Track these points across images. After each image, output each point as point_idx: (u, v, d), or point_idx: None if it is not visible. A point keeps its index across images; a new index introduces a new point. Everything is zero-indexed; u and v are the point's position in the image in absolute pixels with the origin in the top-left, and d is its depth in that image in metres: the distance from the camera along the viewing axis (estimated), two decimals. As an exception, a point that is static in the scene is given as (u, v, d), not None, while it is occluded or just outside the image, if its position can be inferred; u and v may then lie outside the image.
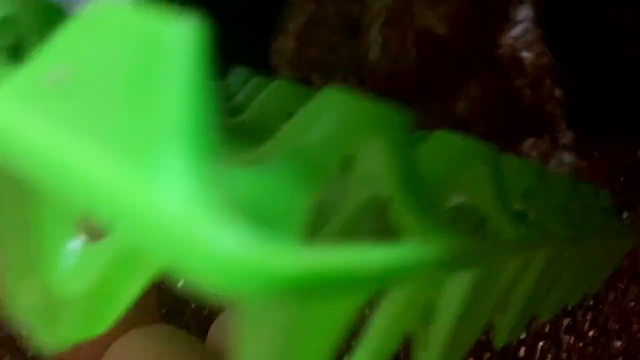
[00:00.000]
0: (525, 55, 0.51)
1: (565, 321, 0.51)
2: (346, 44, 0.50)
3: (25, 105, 0.09)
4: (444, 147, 0.19)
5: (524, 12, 0.57)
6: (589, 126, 0.85)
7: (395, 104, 0.36)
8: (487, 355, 0.47)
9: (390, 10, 0.46)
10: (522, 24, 0.53)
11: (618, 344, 0.54)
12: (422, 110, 0.48)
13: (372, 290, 0.13)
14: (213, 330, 0.37)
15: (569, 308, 0.50)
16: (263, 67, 0.64)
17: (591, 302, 0.56)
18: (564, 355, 0.52)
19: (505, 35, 0.50)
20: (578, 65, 0.95)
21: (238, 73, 0.38)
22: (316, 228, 0.16)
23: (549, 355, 0.48)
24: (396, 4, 0.46)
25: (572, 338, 0.54)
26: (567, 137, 0.57)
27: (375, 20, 0.47)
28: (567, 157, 0.56)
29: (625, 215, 0.72)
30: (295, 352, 0.12)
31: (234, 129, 0.24)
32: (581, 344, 0.54)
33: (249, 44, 0.63)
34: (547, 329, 0.51)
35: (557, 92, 0.56)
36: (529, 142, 0.52)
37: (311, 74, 0.53)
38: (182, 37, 0.10)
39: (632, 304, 0.57)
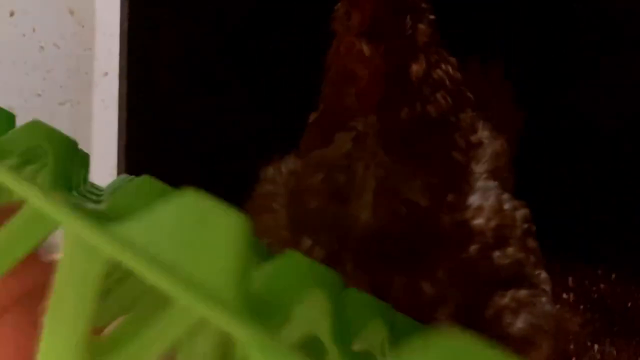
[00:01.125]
0: (485, 221, 0.56)
1: None
2: (331, 208, 0.55)
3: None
4: (292, 268, 0.21)
5: (482, 169, 0.63)
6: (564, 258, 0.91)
7: (385, 262, 0.47)
8: None
9: (379, 181, 0.52)
10: (480, 185, 0.59)
11: None
12: (407, 269, 0.53)
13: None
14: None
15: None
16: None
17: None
18: None
19: (467, 201, 0.56)
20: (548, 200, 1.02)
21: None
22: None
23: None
24: (383, 176, 0.52)
25: None
26: (545, 282, 0.60)
27: (366, 189, 0.53)
28: (548, 306, 0.58)
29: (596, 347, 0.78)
30: None
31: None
32: None
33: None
34: None
35: (531, 243, 0.60)
36: (508, 295, 0.56)
37: (301, 236, 0.57)
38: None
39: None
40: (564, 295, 0.96)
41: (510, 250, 0.58)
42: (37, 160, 0.29)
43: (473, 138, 0.63)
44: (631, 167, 1.05)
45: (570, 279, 1.00)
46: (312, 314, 0.21)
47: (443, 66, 0.57)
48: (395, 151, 0.52)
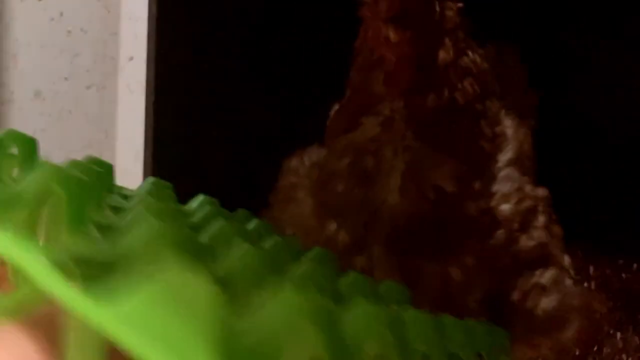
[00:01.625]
0: (510, 207, 0.57)
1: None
2: (358, 192, 0.55)
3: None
4: (281, 313, 0.23)
5: (506, 157, 0.64)
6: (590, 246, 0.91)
7: (413, 246, 0.48)
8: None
9: (408, 165, 0.53)
10: (503, 174, 0.60)
11: None
12: (435, 255, 0.54)
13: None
14: None
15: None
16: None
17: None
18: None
19: (491, 189, 0.57)
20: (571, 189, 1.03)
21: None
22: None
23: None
24: (412, 161, 0.53)
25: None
26: (569, 265, 0.61)
27: (394, 173, 0.53)
28: (573, 287, 0.59)
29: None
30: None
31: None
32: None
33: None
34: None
35: (554, 228, 0.61)
36: (534, 276, 0.57)
37: (327, 220, 0.57)
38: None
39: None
40: (585, 284, 0.96)
41: (534, 233, 0.59)
42: (50, 200, 0.30)
43: (498, 128, 0.63)
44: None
45: (591, 267, 1.00)
46: (305, 354, 0.23)
47: (470, 54, 0.57)
48: (423, 136, 0.52)
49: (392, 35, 0.48)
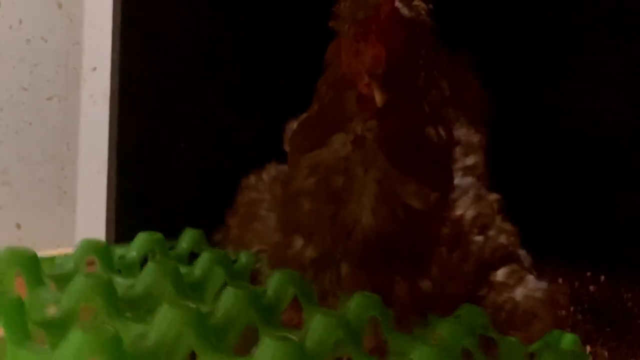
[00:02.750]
0: (468, 213, 0.57)
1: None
2: (326, 209, 0.54)
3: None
4: None
5: (461, 165, 0.65)
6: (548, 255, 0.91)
7: (386, 263, 0.46)
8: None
9: (380, 184, 0.52)
10: (460, 182, 0.61)
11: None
12: (405, 270, 0.54)
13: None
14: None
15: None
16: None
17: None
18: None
19: (451, 198, 0.57)
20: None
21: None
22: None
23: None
24: (383, 180, 0.52)
25: None
26: (528, 261, 0.62)
27: (366, 192, 0.52)
28: (541, 283, 0.60)
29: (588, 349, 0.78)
30: None
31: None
32: None
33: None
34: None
35: (509, 227, 0.61)
36: (502, 272, 0.57)
37: (293, 236, 0.56)
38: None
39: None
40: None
41: (493, 236, 0.60)
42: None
43: (455, 135, 0.64)
44: (620, 169, 1.06)
45: (560, 280, 1.01)
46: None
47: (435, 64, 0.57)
48: (392, 155, 0.52)
49: (376, 94, 0.47)
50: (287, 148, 0.63)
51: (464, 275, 0.57)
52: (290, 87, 0.66)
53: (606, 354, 0.81)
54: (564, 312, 0.79)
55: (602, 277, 1.01)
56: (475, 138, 0.70)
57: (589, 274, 1.01)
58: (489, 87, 0.90)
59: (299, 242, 0.56)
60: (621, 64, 1.04)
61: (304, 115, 0.61)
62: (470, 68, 0.90)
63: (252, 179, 0.66)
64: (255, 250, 0.60)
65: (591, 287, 0.98)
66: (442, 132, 0.56)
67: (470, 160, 0.65)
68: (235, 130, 0.94)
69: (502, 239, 0.60)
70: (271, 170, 0.65)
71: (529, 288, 0.59)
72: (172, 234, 0.86)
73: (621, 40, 1.04)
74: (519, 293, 0.58)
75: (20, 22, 0.90)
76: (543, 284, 0.60)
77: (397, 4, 0.50)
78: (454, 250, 0.57)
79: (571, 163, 1.11)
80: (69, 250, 1.00)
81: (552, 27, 1.11)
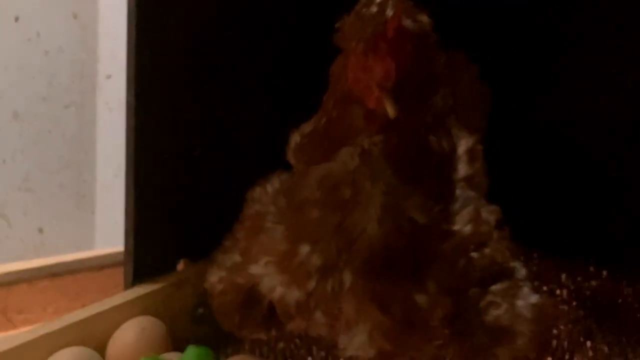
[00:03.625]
0: (466, 229, 0.59)
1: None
2: (333, 218, 0.57)
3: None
4: None
5: (459, 176, 0.66)
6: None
7: (387, 276, 0.51)
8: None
9: (387, 197, 0.54)
10: (458, 193, 0.62)
11: None
12: (404, 284, 0.55)
13: None
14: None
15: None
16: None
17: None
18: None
19: (450, 212, 0.59)
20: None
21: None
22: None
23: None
24: (390, 192, 0.54)
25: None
26: (523, 275, 0.63)
27: (373, 203, 0.55)
28: (531, 296, 0.62)
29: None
30: None
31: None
32: None
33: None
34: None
35: (506, 243, 0.63)
36: (493, 289, 0.59)
37: (299, 244, 0.59)
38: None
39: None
40: (557, 292, 0.99)
41: (488, 252, 0.62)
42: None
43: (455, 146, 0.65)
44: (623, 165, 1.08)
45: (563, 275, 1.03)
46: None
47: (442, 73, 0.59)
48: (398, 168, 0.54)
49: (388, 107, 0.49)
50: (291, 160, 0.65)
51: (457, 292, 0.59)
52: (301, 92, 0.68)
53: (606, 349, 0.84)
54: (553, 326, 0.81)
55: (604, 273, 1.03)
56: (473, 145, 0.71)
57: (591, 269, 1.03)
58: (490, 87, 0.92)
59: (304, 250, 0.58)
60: (621, 63, 1.06)
61: (307, 127, 0.62)
62: (470, 63, 0.90)
63: (257, 190, 0.68)
64: (263, 262, 0.62)
65: (593, 282, 1.00)
66: (445, 144, 0.58)
67: (468, 170, 0.67)
68: (252, 135, 0.96)
69: (497, 256, 0.62)
70: (275, 182, 0.67)
71: (516, 305, 0.60)
72: (189, 236, 0.90)
73: (620, 40, 1.06)
74: (505, 310, 0.60)
75: (38, 34, 0.93)
76: (534, 298, 0.61)
77: (404, 19, 0.51)
78: (450, 266, 0.59)
79: (574, 159, 1.13)
80: (90, 254, 1.04)
81: (552, 28, 1.12)
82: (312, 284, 0.56)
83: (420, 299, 0.56)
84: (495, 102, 0.95)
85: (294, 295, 0.58)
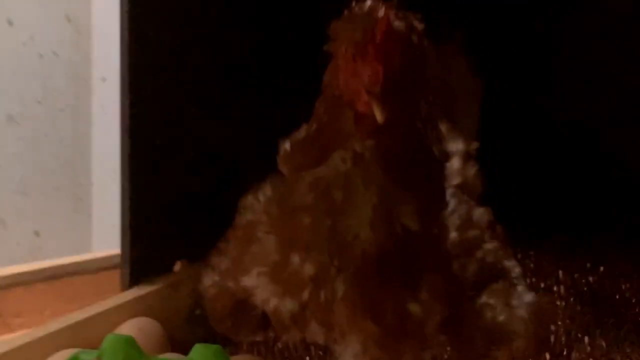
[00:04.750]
0: (458, 234, 0.59)
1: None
2: (325, 224, 0.54)
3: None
4: None
5: (452, 183, 0.65)
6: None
7: (380, 284, 0.51)
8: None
9: (380, 200, 0.54)
10: (451, 200, 0.61)
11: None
12: (396, 292, 0.55)
13: None
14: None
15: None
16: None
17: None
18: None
19: (442, 218, 0.58)
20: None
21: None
22: None
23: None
24: (383, 196, 0.54)
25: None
26: (517, 274, 0.63)
27: (366, 207, 0.54)
28: (526, 295, 0.62)
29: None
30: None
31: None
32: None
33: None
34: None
35: (498, 243, 0.63)
36: (487, 291, 0.59)
37: (292, 254, 0.55)
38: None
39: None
40: (555, 288, 0.99)
41: (481, 255, 0.61)
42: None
43: (447, 149, 0.64)
44: (622, 163, 1.09)
45: (560, 272, 1.03)
46: None
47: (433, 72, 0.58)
48: (390, 172, 0.53)
49: (376, 111, 0.49)
50: (282, 167, 0.64)
51: (451, 298, 0.58)
52: (299, 93, 0.68)
53: (604, 344, 0.84)
54: (549, 324, 0.81)
55: (602, 268, 1.03)
56: (466, 147, 0.71)
57: (588, 265, 1.03)
58: (488, 85, 0.92)
59: (296, 259, 0.57)
60: (620, 63, 1.06)
61: (298, 135, 0.62)
62: (463, 54, 0.89)
63: (249, 199, 0.67)
64: (255, 273, 0.61)
65: (591, 278, 1.01)
66: (436, 148, 0.57)
67: (461, 177, 0.67)
68: (248, 136, 0.96)
69: (490, 257, 0.61)
70: (267, 190, 0.65)
71: (512, 305, 0.60)
72: (185, 238, 0.90)
73: (617, 41, 1.06)
74: (501, 311, 0.59)
75: (32, 38, 0.93)
76: (529, 297, 0.61)
77: (393, 22, 0.51)
78: (443, 272, 0.58)
79: (572, 156, 1.13)
80: (87, 256, 1.04)
81: (550, 28, 1.13)
82: (305, 295, 0.55)
83: (414, 307, 0.56)
84: (491, 100, 0.95)
85: (288, 306, 0.57)
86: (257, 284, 0.59)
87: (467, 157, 0.68)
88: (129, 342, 0.57)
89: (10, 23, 0.90)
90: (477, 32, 1.14)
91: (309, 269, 0.55)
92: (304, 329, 0.57)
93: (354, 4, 0.52)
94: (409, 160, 0.53)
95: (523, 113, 1.16)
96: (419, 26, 0.54)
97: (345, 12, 0.52)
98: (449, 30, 0.84)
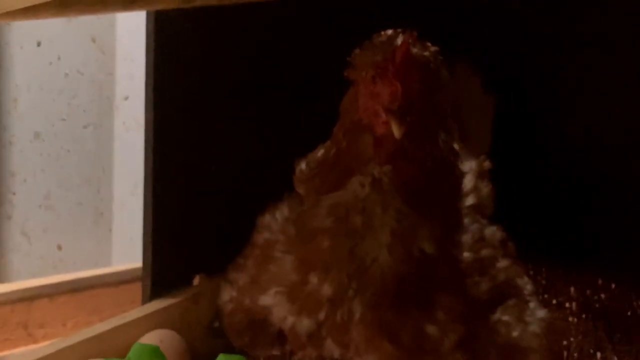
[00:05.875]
0: (472, 254, 0.59)
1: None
2: (344, 246, 0.54)
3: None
4: None
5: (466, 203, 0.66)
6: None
7: (396, 306, 0.53)
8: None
9: (397, 224, 0.55)
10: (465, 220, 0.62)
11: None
12: (413, 314, 0.56)
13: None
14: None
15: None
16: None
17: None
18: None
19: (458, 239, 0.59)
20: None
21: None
22: None
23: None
24: (400, 221, 0.55)
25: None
26: (530, 291, 0.64)
27: (384, 231, 0.55)
28: (538, 311, 0.63)
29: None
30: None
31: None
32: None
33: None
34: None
35: (510, 261, 0.63)
36: (500, 309, 0.60)
37: (309, 274, 0.56)
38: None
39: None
40: (567, 305, 1.00)
41: (494, 274, 0.62)
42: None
43: (463, 173, 0.65)
44: (632, 177, 1.09)
45: (572, 288, 1.04)
46: None
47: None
48: (408, 197, 0.54)
49: (394, 127, 0.50)
50: (299, 189, 0.65)
51: (466, 318, 0.59)
52: (319, 109, 0.70)
53: (616, 359, 0.85)
54: (562, 339, 0.82)
55: (613, 285, 1.04)
56: (480, 168, 0.72)
57: (600, 281, 1.04)
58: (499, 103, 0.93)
59: (314, 280, 0.58)
60: (621, 67, 1.07)
61: (313, 156, 0.63)
62: (474, 73, 0.90)
63: (266, 217, 0.68)
64: (272, 292, 0.62)
65: (602, 295, 1.01)
66: (453, 173, 0.58)
67: (475, 198, 0.68)
68: (268, 152, 0.98)
69: (503, 275, 0.62)
70: (284, 209, 0.66)
71: (525, 321, 0.61)
72: (206, 252, 0.91)
73: (616, 46, 1.07)
74: (515, 327, 0.60)
75: (59, 58, 0.96)
76: (542, 313, 0.62)
77: (412, 48, 0.53)
78: (458, 292, 0.59)
79: (584, 172, 1.14)
80: (108, 270, 1.06)
81: (552, 33, 1.14)
82: (322, 314, 0.56)
83: (430, 329, 0.57)
84: (500, 118, 0.96)
85: (305, 324, 0.58)
86: (274, 303, 0.60)
87: (480, 176, 0.69)
88: (155, 351, 0.59)
89: (38, 44, 0.94)
90: (488, 50, 1.16)
91: (327, 290, 0.56)
92: (320, 347, 0.58)
93: (375, 35, 0.54)
94: (426, 184, 0.54)
95: (535, 129, 1.17)
96: (437, 55, 0.56)
97: (366, 41, 0.54)
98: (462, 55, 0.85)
